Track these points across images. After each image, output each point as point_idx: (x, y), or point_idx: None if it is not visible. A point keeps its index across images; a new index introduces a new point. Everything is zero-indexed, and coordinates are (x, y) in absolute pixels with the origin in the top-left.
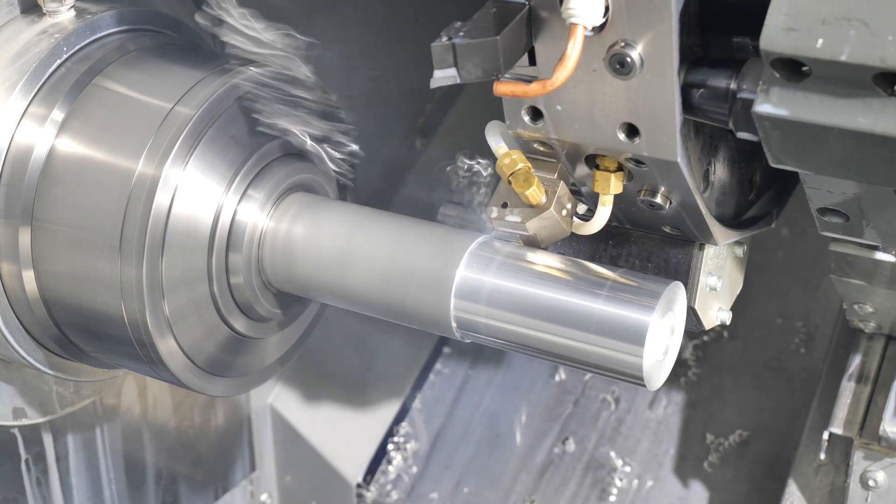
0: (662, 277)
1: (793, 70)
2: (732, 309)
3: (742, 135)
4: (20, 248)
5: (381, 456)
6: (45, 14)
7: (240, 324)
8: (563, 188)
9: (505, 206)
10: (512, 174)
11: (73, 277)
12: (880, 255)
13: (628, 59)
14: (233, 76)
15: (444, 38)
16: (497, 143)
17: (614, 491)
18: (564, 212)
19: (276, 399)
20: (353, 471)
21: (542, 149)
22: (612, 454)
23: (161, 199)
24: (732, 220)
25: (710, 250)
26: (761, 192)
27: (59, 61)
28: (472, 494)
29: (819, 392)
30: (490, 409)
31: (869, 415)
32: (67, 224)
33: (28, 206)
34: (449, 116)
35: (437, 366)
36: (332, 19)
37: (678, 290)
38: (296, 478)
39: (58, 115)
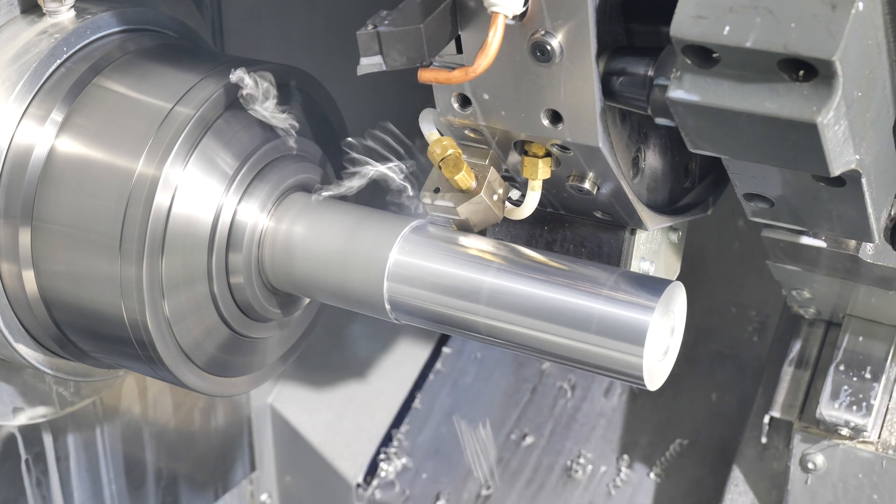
0: (603, 263)
1: (703, 57)
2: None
3: (660, 121)
4: (20, 248)
5: (380, 456)
6: (45, 14)
7: (240, 324)
8: (493, 173)
9: (437, 191)
10: (442, 160)
11: (73, 277)
12: (806, 240)
13: (548, 47)
14: (233, 76)
15: (370, 27)
16: (429, 129)
17: (570, 477)
18: (496, 197)
19: (276, 399)
20: (353, 471)
21: (473, 135)
22: (568, 442)
23: (161, 199)
24: (667, 207)
25: (642, 235)
26: (699, 180)
27: (59, 61)
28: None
29: (763, 378)
30: (489, 409)
31: (808, 399)
32: (67, 224)
33: (28, 206)
34: None
35: (437, 366)
36: (333, 18)
37: (678, 290)
38: (296, 478)
39: (58, 115)
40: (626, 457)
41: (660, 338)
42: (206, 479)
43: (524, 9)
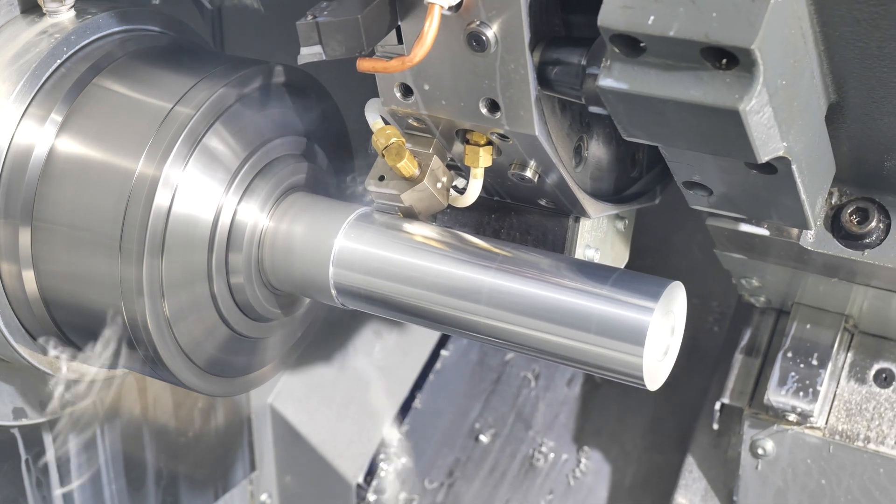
0: (547, 251)
1: (631, 46)
2: None
3: (594, 109)
4: (20, 248)
5: (381, 456)
6: (45, 14)
7: (240, 324)
8: (436, 161)
9: (382, 178)
10: (385, 148)
11: (73, 277)
12: (748, 228)
13: (483, 38)
14: (233, 76)
15: (310, 17)
16: (374, 119)
17: (531, 466)
18: (439, 185)
19: (276, 399)
20: (353, 471)
21: (416, 125)
22: (530, 431)
23: (161, 199)
24: (613, 195)
25: (586, 223)
26: (647, 170)
27: (59, 61)
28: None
29: (717, 366)
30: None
31: (759, 386)
32: (67, 224)
33: (28, 206)
34: None
35: (437, 366)
36: None
37: (678, 290)
38: (296, 478)
39: (58, 115)
40: (586, 446)
41: (660, 338)
42: (206, 479)
43: (459, 0)
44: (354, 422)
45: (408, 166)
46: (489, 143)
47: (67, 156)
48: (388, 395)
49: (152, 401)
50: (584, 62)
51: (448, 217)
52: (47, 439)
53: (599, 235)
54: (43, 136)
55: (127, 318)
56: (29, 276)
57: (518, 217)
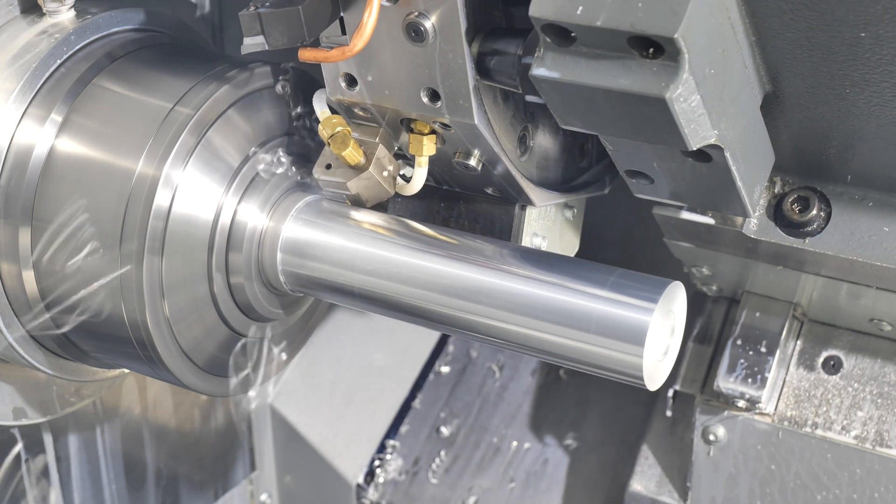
0: (496, 238)
1: (562, 35)
2: None
3: (530, 98)
4: (20, 248)
5: (381, 456)
6: (45, 14)
7: (240, 324)
8: (381, 150)
9: (329, 167)
10: (331, 137)
11: (73, 277)
12: (691, 216)
13: (422, 28)
14: (233, 76)
15: (252, 8)
16: (321, 108)
17: (495, 453)
18: (385, 173)
19: (276, 399)
20: (353, 471)
21: (362, 114)
22: (494, 420)
23: (161, 199)
24: (561, 185)
25: (533, 211)
26: (597, 160)
27: (59, 61)
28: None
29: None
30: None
31: (710, 373)
32: (67, 224)
33: (28, 206)
34: None
35: (437, 366)
36: None
37: (678, 290)
38: (296, 478)
39: (58, 115)
40: (547, 435)
41: (660, 338)
42: (206, 479)
43: None
44: (354, 422)
45: (353, 154)
46: (433, 132)
47: (67, 156)
48: (388, 395)
49: (152, 401)
50: (520, 52)
51: (399, 205)
52: (47, 439)
53: (547, 224)
54: (43, 136)
55: (127, 318)
56: (29, 276)
57: (466, 205)
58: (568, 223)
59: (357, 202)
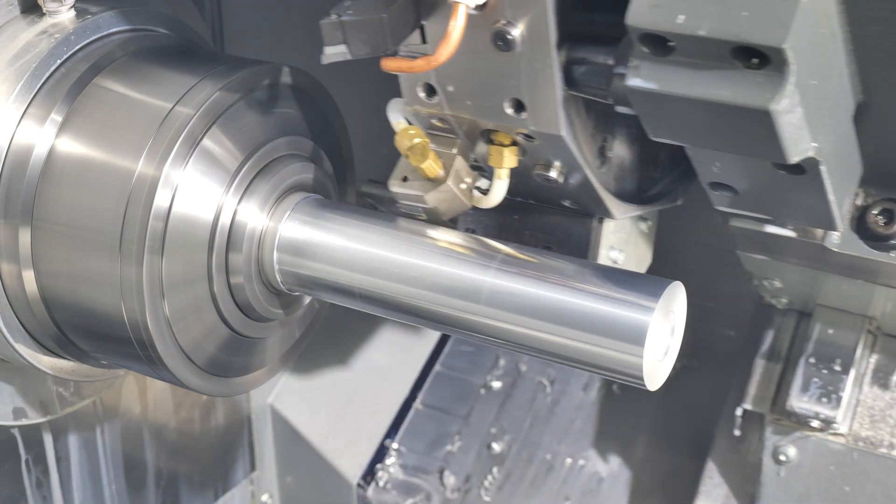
0: (565, 251)
1: (659, 45)
2: None
3: (621, 109)
4: (20, 248)
5: (381, 456)
6: (45, 14)
7: (240, 324)
8: (460, 162)
9: (405, 179)
10: (409, 149)
11: (73, 277)
12: (773, 229)
13: (509, 37)
14: (233, 76)
15: (334, 16)
16: (397, 119)
17: (548, 470)
18: (463, 185)
19: (276, 399)
20: (353, 471)
21: (440, 125)
22: (546, 436)
23: (161, 200)
24: (636, 196)
25: (610, 224)
26: (670, 170)
27: (59, 61)
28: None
29: (737, 370)
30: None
31: (780, 391)
32: (67, 224)
33: (28, 206)
34: None
35: (437, 366)
36: None
37: (678, 290)
38: (296, 478)
39: (58, 115)
40: (602, 451)
41: (660, 338)
42: (206, 479)
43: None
44: (354, 422)
45: (432, 167)
46: (514, 143)
47: (67, 156)
48: (388, 395)
49: (152, 401)
50: (611, 62)
51: (470, 218)
52: (47, 439)
53: (623, 237)
54: (43, 136)
55: (127, 318)
56: (29, 276)
57: (541, 218)
58: (642, 236)
59: (434, 216)
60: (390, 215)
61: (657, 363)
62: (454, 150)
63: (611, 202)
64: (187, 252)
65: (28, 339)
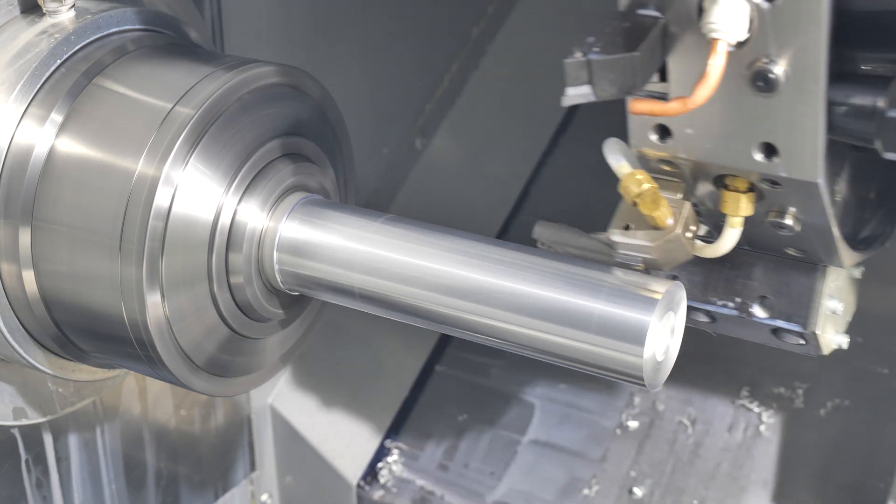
0: (783, 301)
1: None
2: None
3: (891, 155)
4: (20, 248)
5: (381, 456)
6: (45, 14)
7: (240, 324)
8: (688, 209)
9: (627, 227)
10: (638, 195)
11: (73, 277)
12: None
13: (772, 76)
14: (233, 76)
15: (578, 54)
16: (618, 161)
17: None
18: (689, 234)
19: (276, 399)
20: (353, 471)
21: (666, 168)
22: (692, 480)
23: (161, 199)
24: (851, 240)
25: (830, 273)
26: (878, 210)
27: (59, 61)
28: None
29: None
30: (494, 410)
31: None
32: (67, 224)
33: (28, 206)
34: (449, 116)
35: (437, 366)
36: (333, 18)
37: (678, 291)
38: (296, 478)
39: (58, 115)
40: (753, 497)
41: (660, 338)
42: (206, 479)
43: (747, 35)
44: (354, 422)
45: (663, 215)
46: (751, 188)
47: (67, 156)
48: (388, 395)
49: (152, 401)
50: (881, 104)
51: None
52: (47, 439)
53: (840, 284)
54: (43, 136)
55: (127, 318)
56: (29, 276)
57: (756, 266)
58: (853, 283)
59: (653, 266)
60: (390, 215)
61: (657, 363)
62: (679, 196)
63: (843, 250)
64: (187, 252)
65: (28, 339)
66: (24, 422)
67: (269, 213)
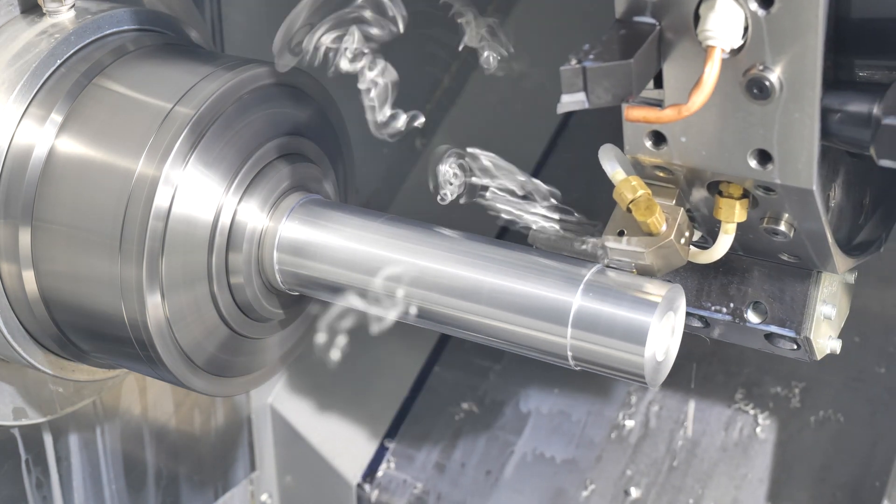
0: (777, 306)
1: None
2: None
3: (885, 163)
4: (20, 248)
5: (381, 456)
6: (45, 14)
7: (240, 324)
8: (682, 216)
9: (621, 233)
10: (632, 201)
11: (73, 277)
12: None
13: (767, 83)
14: (233, 76)
15: (574, 62)
16: (613, 168)
17: None
18: (683, 240)
19: (276, 399)
20: (353, 471)
21: (661, 174)
22: (688, 479)
23: (161, 199)
24: (845, 246)
25: (824, 279)
26: (871, 215)
27: (59, 61)
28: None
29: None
30: (494, 409)
31: None
32: (67, 224)
33: (28, 206)
34: (449, 116)
35: (437, 366)
36: None
37: (678, 292)
38: (296, 478)
39: (58, 115)
40: (751, 497)
41: (660, 338)
42: (205, 479)
43: (742, 42)
44: (354, 422)
45: (657, 221)
46: (745, 194)
47: (67, 156)
48: (388, 395)
49: (152, 401)
50: (877, 111)
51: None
52: (47, 439)
53: (832, 290)
54: (43, 136)
55: (127, 318)
56: (29, 276)
57: (749, 272)
58: (848, 288)
59: (646, 272)
60: (390, 215)
61: (658, 363)
62: (673, 202)
63: (838, 256)
64: (187, 252)
65: (28, 339)
66: (24, 422)
67: (270, 213)
